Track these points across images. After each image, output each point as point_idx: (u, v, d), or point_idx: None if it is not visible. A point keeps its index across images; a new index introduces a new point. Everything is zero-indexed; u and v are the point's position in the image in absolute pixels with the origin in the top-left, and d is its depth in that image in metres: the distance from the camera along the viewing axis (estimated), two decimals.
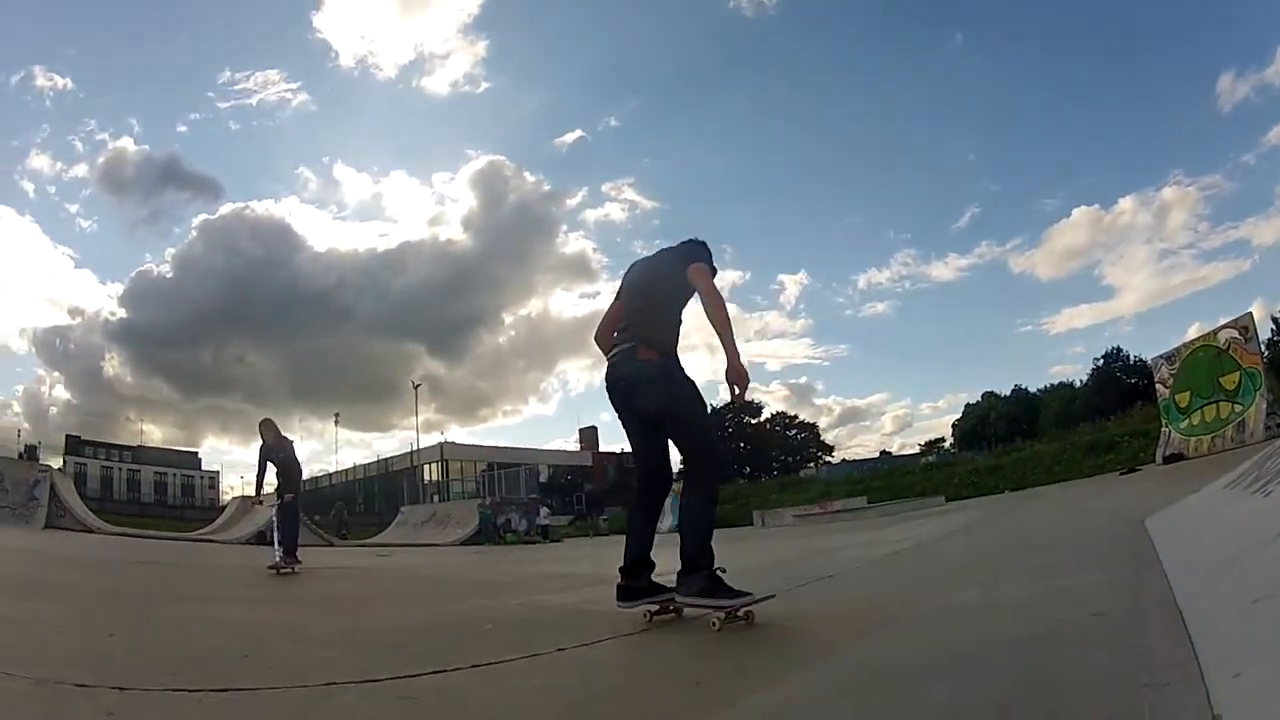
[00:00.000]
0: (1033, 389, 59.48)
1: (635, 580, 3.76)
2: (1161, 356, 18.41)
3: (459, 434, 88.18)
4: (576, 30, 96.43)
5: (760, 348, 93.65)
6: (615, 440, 58.78)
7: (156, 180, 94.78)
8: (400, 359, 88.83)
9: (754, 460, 60.91)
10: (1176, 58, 73.65)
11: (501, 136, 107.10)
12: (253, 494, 11.55)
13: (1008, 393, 60.39)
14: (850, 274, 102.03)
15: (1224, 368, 15.54)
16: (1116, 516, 6.82)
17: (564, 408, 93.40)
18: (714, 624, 3.40)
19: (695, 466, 3.72)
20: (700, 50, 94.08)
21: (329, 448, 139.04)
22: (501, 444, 62.76)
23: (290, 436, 9.96)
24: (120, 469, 63.88)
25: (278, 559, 8.73)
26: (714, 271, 3.94)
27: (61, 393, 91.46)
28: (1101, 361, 52.82)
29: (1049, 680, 2.05)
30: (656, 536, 3.90)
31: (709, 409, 3.79)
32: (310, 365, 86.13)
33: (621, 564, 3.80)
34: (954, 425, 65.12)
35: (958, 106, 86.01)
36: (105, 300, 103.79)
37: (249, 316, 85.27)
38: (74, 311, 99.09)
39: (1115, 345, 58.16)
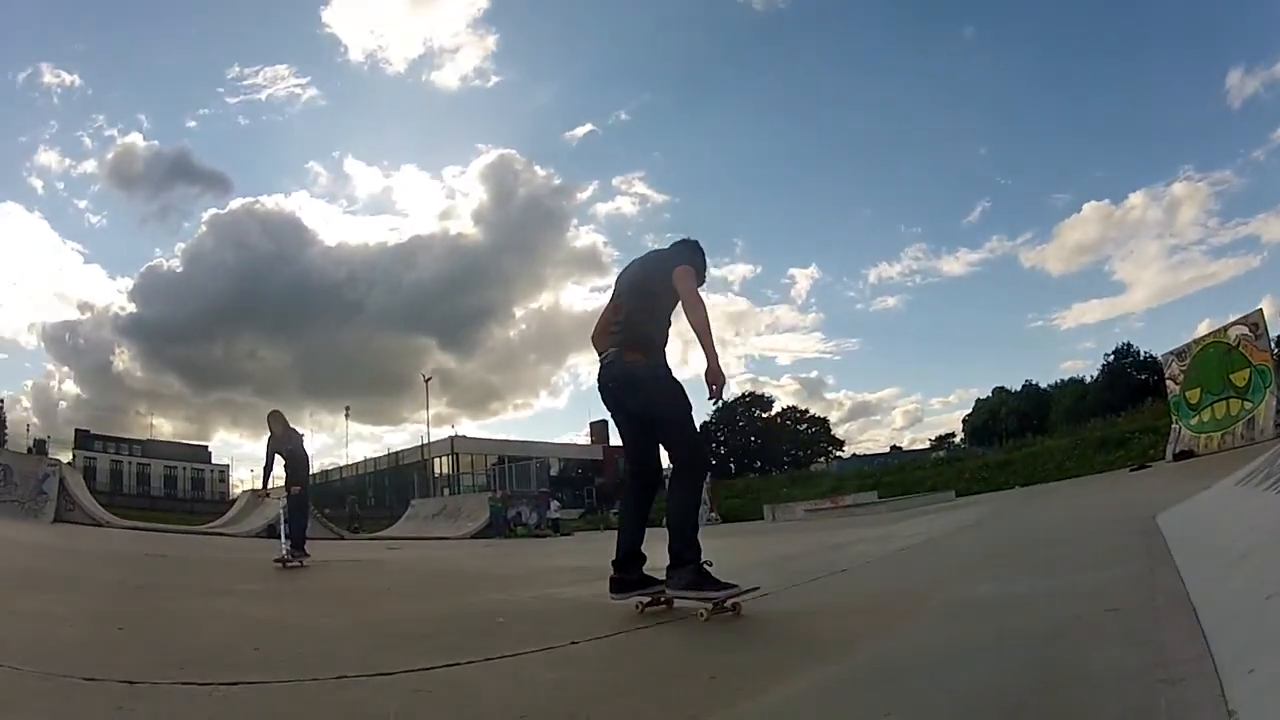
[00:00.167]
0: (1043, 384, 59.61)
1: (627, 573, 3.95)
2: (1172, 353, 18.29)
3: (470, 427, 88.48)
4: (587, 24, 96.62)
5: (771, 342, 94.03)
6: None
7: (166, 175, 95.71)
8: (411, 353, 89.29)
9: (765, 454, 60.94)
10: (1186, 53, 73.46)
11: (512, 130, 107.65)
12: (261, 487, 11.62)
13: (1018, 388, 60.43)
14: (861, 268, 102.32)
15: (1234, 364, 15.43)
16: (1128, 512, 6.78)
17: (575, 401, 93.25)
18: (701, 614, 3.53)
19: (678, 466, 3.91)
20: (711, 44, 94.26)
21: (339, 441, 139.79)
22: (512, 437, 62.68)
23: (300, 430, 9.99)
24: (130, 463, 64.20)
25: (284, 552, 8.69)
26: (702, 272, 4.19)
27: (71, 387, 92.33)
28: (1112, 357, 52.77)
29: (1066, 674, 2.05)
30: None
31: (693, 408, 3.99)
32: (321, 359, 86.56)
33: (614, 557, 3.99)
34: (964, 420, 65.30)
35: (968, 101, 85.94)
36: (115, 295, 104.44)
37: (259, 311, 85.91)
38: (83, 306, 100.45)
39: (1126, 341, 58.32)
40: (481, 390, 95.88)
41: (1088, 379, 54.70)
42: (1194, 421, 16.76)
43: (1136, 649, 2.14)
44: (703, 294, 3.97)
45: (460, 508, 30.57)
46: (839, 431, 71.30)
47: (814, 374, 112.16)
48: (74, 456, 53.31)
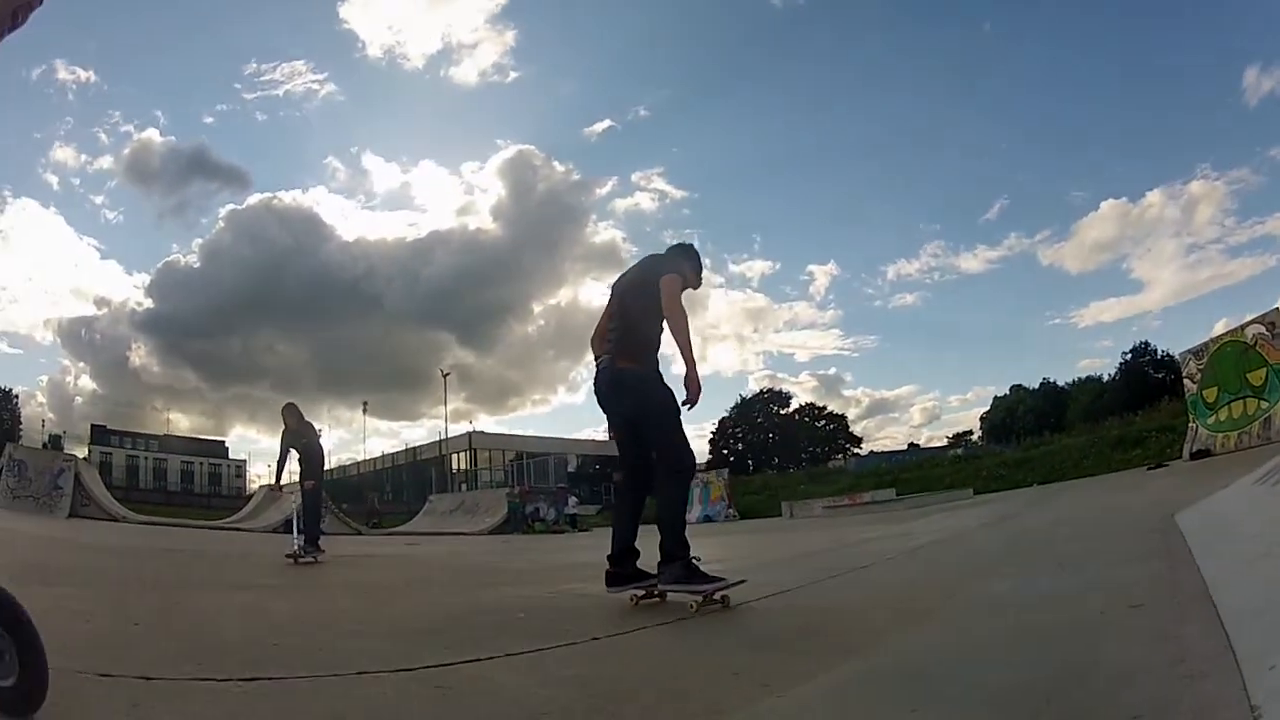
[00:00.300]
0: (1061, 382, 59.07)
1: (621, 567, 4.13)
2: (1189, 351, 18.16)
3: (488, 423, 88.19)
4: (606, 19, 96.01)
5: (789, 338, 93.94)
6: None
7: (183, 171, 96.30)
8: (429, 348, 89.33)
9: (782, 451, 60.65)
10: (1203, 51, 72.34)
11: (530, 126, 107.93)
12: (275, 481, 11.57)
13: (1036, 386, 60.00)
14: (880, 265, 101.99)
15: (1251, 364, 15.34)
16: (1147, 511, 6.76)
17: (593, 397, 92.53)
18: (691, 606, 3.70)
19: (664, 468, 4.10)
20: (730, 39, 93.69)
21: (357, 436, 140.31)
22: (530, 433, 62.58)
23: (317, 426, 9.92)
24: (146, 458, 64.58)
25: (296, 547, 8.58)
26: (697, 275, 4.40)
27: (87, 383, 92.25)
28: (1129, 356, 52.31)
29: (1091, 670, 2.06)
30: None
31: (682, 412, 4.10)
32: (339, 354, 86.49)
33: (609, 553, 4.17)
34: (982, 418, 64.80)
35: (987, 97, 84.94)
36: (132, 290, 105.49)
37: (277, 306, 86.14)
38: (100, 302, 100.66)
39: (1143, 340, 57.70)
40: (500, 386, 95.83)
41: (1105, 377, 54.19)
42: (1211, 420, 16.64)
43: (1159, 645, 2.15)
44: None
45: (478, 503, 30.63)
46: (857, 428, 70.89)
47: (832, 371, 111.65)
48: (90, 452, 53.50)
